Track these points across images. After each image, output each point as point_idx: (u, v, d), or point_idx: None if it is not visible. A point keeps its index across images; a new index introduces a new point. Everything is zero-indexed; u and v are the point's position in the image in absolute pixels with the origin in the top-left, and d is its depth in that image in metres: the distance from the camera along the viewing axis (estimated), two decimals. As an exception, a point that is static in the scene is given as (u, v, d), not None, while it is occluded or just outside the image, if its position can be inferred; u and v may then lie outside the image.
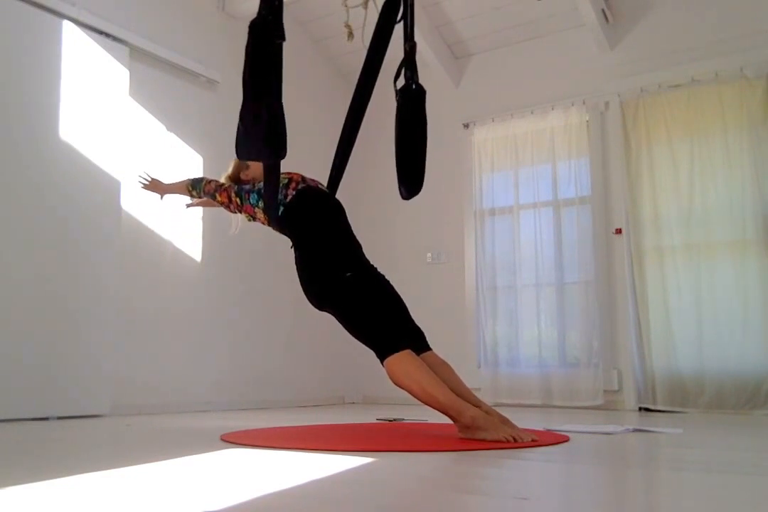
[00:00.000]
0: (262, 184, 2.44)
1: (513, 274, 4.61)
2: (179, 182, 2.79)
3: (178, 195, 2.90)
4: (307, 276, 2.37)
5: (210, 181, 2.65)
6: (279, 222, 2.44)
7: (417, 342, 2.36)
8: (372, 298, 2.32)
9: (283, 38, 1.98)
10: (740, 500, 1.23)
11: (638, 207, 4.25)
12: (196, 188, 2.68)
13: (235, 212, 2.60)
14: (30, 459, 1.79)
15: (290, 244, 2.48)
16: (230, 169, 2.70)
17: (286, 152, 2.04)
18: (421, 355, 2.30)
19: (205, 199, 2.76)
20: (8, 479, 1.36)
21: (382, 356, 2.19)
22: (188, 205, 3.03)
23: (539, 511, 1.12)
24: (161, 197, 2.96)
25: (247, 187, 2.56)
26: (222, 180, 2.69)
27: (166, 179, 3.94)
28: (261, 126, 1.97)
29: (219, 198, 2.59)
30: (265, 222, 2.53)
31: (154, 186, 2.91)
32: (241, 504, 1.11)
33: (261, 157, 2.08)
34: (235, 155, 2.09)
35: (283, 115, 2.00)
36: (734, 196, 3.96)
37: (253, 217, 2.57)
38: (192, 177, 2.77)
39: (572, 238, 4.46)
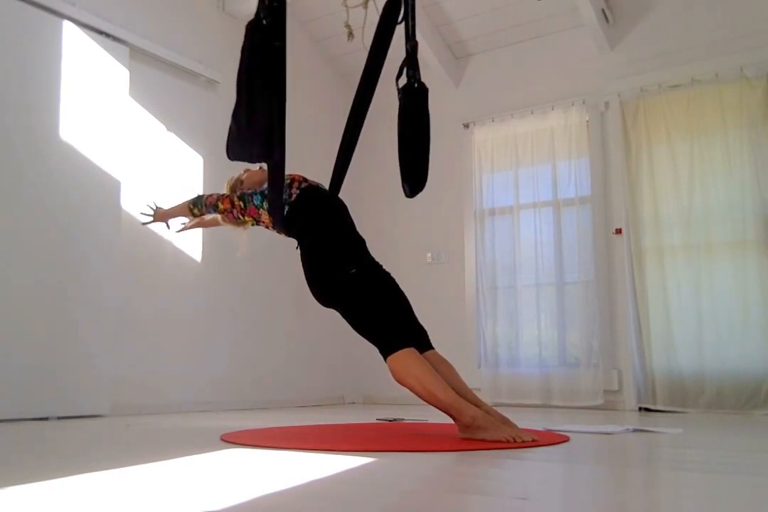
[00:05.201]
0: (265, 186, 2.45)
1: (513, 274, 4.60)
2: (180, 204, 2.76)
3: (183, 223, 2.90)
4: (312, 274, 2.38)
5: (210, 195, 2.66)
6: (284, 222, 2.45)
7: (420, 340, 2.37)
8: (376, 296, 2.32)
9: (281, 41, 1.97)
10: (740, 500, 1.23)
11: (638, 207, 4.25)
12: (197, 205, 2.66)
13: (238, 218, 2.58)
14: (30, 459, 1.79)
15: (293, 244, 2.48)
16: (225, 191, 2.72)
17: (276, 154, 2.02)
18: (424, 354, 2.30)
19: (196, 220, 2.79)
20: (8, 479, 1.36)
21: (385, 354, 2.20)
22: (179, 230, 2.97)
23: (539, 511, 1.12)
24: (168, 226, 2.92)
25: (249, 191, 2.57)
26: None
27: (166, 180, 3.97)
28: (251, 128, 1.96)
29: (222, 206, 2.58)
30: (270, 224, 2.53)
31: (160, 215, 2.89)
32: (241, 504, 1.11)
33: (249, 159, 2.07)
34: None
35: (276, 116, 1.99)
36: (734, 196, 3.96)
37: (256, 220, 2.57)
38: (190, 198, 2.74)
39: (572, 238, 4.45)
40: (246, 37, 1.97)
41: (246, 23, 1.98)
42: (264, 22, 1.95)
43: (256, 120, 1.96)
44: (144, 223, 2.97)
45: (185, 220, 2.90)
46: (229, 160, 2.03)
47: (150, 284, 3.82)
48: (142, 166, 3.85)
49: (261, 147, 1.98)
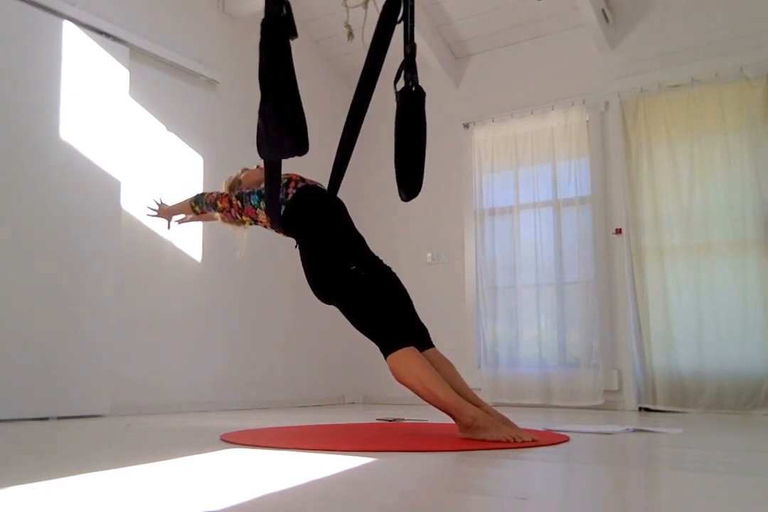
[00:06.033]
0: (262, 185, 2.45)
1: (513, 274, 4.60)
2: (182, 202, 2.83)
3: (182, 215, 2.95)
4: (312, 272, 2.38)
5: (211, 193, 2.71)
6: (281, 221, 2.45)
7: (420, 338, 2.37)
8: (376, 295, 2.32)
9: (295, 35, 1.98)
10: (740, 500, 1.23)
11: (638, 207, 4.25)
12: (198, 203, 2.72)
13: (236, 217, 2.60)
14: (30, 459, 1.79)
15: (292, 244, 2.48)
16: (223, 190, 2.75)
17: (308, 148, 2.02)
18: (424, 352, 2.30)
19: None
20: (8, 479, 1.36)
21: (385, 352, 2.20)
22: (180, 221, 3.01)
23: (539, 511, 1.12)
24: (168, 226, 2.99)
25: (247, 190, 2.58)
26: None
27: (166, 180, 3.97)
28: (283, 124, 1.96)
29: (220, 205, 2.62)
30: (267, 224, 2.54)
31: (164, 211, 2.95)
32: (241, 504, 1.11)
33: (284, 155, 2.06)
34: (257, 157, 2.07)
35: (302, 111, 1.99)
36: (734, 196, 3.96)
37: (254, 220, 2.58)
38: (192, 195, 2.80)
39: (572, 238, 4.45)
40: (264, 33, 1.96)
41: (261, 21, 1.97)
42: (281, 15, 1.95)
43: (285, 115, 1.95)
44: (149, 215, 3.05)
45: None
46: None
47: (150, 284, 3.82)
48: (142, 166, 3.85)
49: (292, 141, 1.97)
